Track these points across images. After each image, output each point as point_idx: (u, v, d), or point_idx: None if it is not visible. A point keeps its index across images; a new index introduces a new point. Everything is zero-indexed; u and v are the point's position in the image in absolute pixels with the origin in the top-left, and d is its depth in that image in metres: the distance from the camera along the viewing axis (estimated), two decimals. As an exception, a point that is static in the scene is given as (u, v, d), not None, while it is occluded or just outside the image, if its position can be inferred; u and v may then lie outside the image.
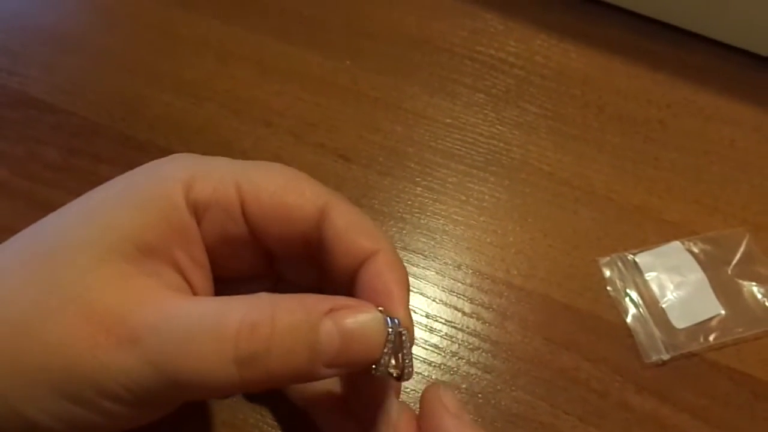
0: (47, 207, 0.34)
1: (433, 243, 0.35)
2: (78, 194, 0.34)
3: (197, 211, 0.23)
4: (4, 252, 0.22)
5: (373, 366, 0.21)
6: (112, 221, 0.22)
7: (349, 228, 0.23)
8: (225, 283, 0.25)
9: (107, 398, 0.20)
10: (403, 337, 0.22)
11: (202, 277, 0.24)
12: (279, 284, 0.27)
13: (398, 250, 0.33)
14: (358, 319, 0.21)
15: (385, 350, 0.21)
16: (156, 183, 0.23)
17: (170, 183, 0.23)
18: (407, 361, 0.22)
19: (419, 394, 0.30)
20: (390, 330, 0.21)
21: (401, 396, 0.30)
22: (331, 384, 0.26)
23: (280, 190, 0.24)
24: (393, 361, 0.22)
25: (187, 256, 0.23)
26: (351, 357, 0.21)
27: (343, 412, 0.26)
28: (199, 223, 0.23)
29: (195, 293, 0.24)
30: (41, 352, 0.20)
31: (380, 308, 0.22)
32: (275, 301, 0.21)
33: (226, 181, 0.23)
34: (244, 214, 0.23)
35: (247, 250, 0.25)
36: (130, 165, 0.36)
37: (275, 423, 0.29)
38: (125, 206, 0.22)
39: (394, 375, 0.22)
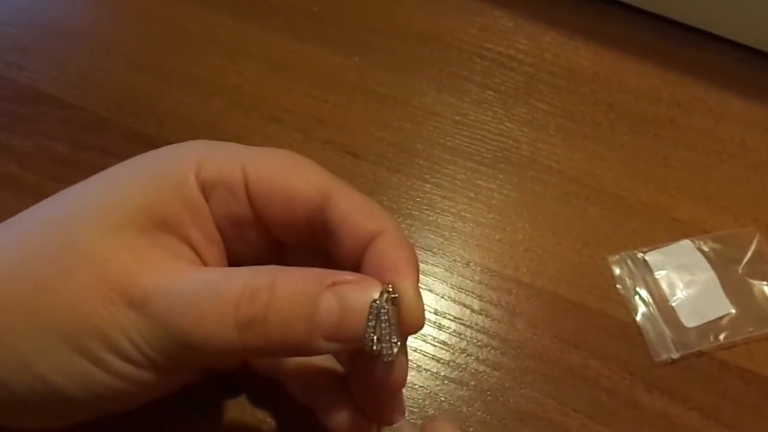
0: (56, 202, 0.34)
1: (441, 240, 0.34)
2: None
3: (205, 189, 0.24)
4: (25, 218, 0.23)
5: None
6: (129, 194, 0.22)
7: (353, 211, 0.23)
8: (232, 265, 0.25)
9: (118, 355, 0.21)
10: (383, 311, 0.21)
11: (215, 254, 0.24)
12: None
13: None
14: (360, 296, 0.21)
15: (369, 324, 0.21)
16: (169, 162, 0.24)
17: (182, 162, 0.23)
18: (387, 337, 0.21)
19: (428, 391, 0.30)
20: (374, 303, 0.21)
21: (407, 392, 0.30)
22: (334, 378, 0.26)
23: (283, 172, 0.24)
24: (376, 338, 0.21)
25: (199, 232, 0.23)
26: (350, 332, 0.21)
27: (346, 406, 0.26)
28: (207, 201, 0.24)
29: None
30: (57, 308, 0.20)
31: (389, 285, 0.21)
32: (278, 271, 0.21)
33: (232, 162, 0.24)
34: (248, 195, 0.24)
35: (252, 232, 0.25)
36: (139, 160, 0.36)
37: (281, 420, 0.29)
38: (141, 181, 0.23)
39: (375, 351, 0.21)
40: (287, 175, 0.24)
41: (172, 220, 0.23)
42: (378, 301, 0.21)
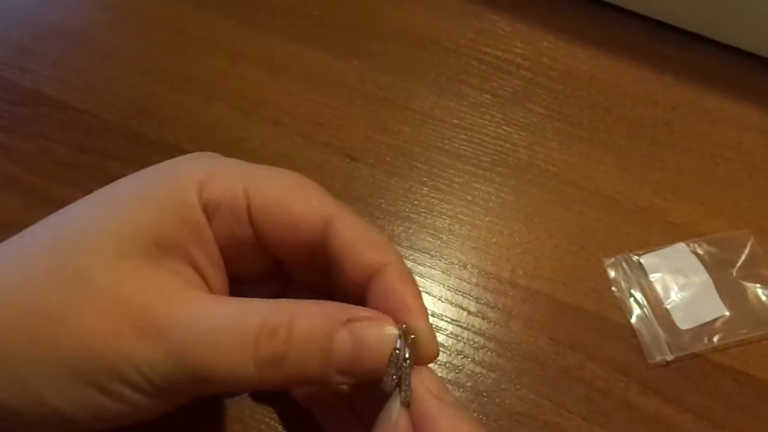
0: (58, 203, 0.34)
1: (439, 242, 0.35)
2: (88, 191, 0.35)
3: (207, 210, 0.23)
4: (25, 240, 0.23)
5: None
6: (131, 216, 0.22)
7: (357, 240, 0.23)
8: (235, 284, 0.26)
9: (129, 387, 0.21)
10: (406, 359, 0.22)
11: (217, 275, 0.24)
12: (289, 286, 0.27)
13: (404, 250, 0.34)
14: (374, 332, 0.21)
15: (388, 368, 0.21)
16: (172, 181, 0.23)
17: (185, 182, 0.23)
18: (407, 381, 0.22)
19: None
20: (398, 348, 0.21)
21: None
22: (338, 390, 0.27)
23: (285, 197, 0.24)
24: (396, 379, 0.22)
25: (202, 254, 0.23)
26: (363, 368, 0.21)
27: (347, 412, 0.26)
28: (209, 222, 0.24)
29: (211, 291, 0.24)
30: (67, 342, 0.20)
31: (404, 325, 0.22)
32: (295, 307, 0.21)
33: (236, 184, 0.24)
34: (250, 217, 0.24)
35: (254, 253, 0.25)
36: (140, 162, 0.36)
37: (280, 419, 0.29)
38: (143, 202, 0.23)
39: (393, 392, 0.22)
40: (289, 200, 0.24)
41: (176, 243, 0.23)
42: (399, 345, 0.21)
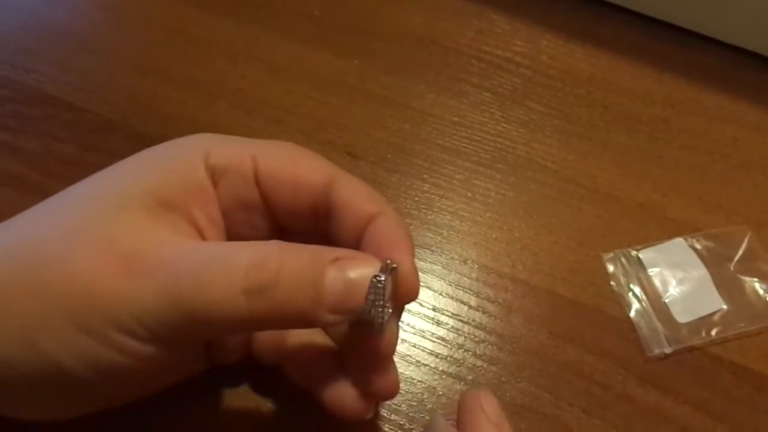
0: (63, 201, 0.35)
1: (439, 238, 0.35)
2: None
3: (214, 174, 0.25)
4: (37, 208, 0.24)
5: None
6: (137, 176, 0.24)
7: (355, 194, 0.25)
8: None
9: (122, 331, 0.21)
10: (380, 282, 0.22)
11: (216, 235, 0.25)
12: None
13: (406, 245, 0.34)
14: (362, 269, 0.22)
15: (368, 296, 0.22)
16: (177, 149, 0.25)
17: (190, 149, 0.25)
18: (380, 302, 0.22)
19: (426, 385, 0.31)
20: (374, 278, 0.22)
21: (406, 387, 0.31)
22: (331, 357, 0.27)
23: (291, 161, 0.25)
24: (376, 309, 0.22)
25: (203, 213, 0.24)
26: (352, 304, 0.22)
27: (343, 383, 0.26)
28: (216, 186, 0.25)
29: None
30: (60, 280, 0.21)
31: (388, 260, 0.23)
32: (284, 245, 0.22)
33: (242, 151, 0.25)
34: (257, 181, 0.25)
35: (258, 217, 0.26)
36: (144, 161, 0.36)
37: (279, 411, 0.30)
38: (148, 166, 0.24)
39: (369, 317, 0.22)
40: (295, 163, 0.25)
41: (178, 201, 0.24)
42: (377, 275, 0.22)
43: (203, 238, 0.25)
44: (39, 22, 0.42)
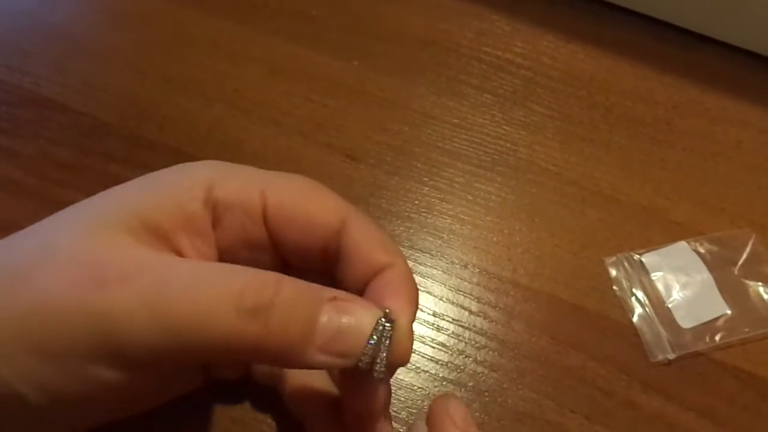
0: (58, 206, 0.34)
1: (440, 242, 0.35)
2: (89, 193, 0.35)
3: (218, 209, 0.23)
4: (21, 231, 0.23)
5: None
6: (126, 200, 0.22)
7: (367, 240, 0.24)
8: None
9: (89, 359, 0.19)
10: (385, 334, 0.21)
11: None
12: None
13: (405, 249, 0.34)
14: (358, 314, 0.21)
15: (369, 342, 0.21)
16: (179, 176, 0.24)
17: (193, 178, 0.23)
18: (383, 355, 0.22)
19: (426, 392, 0.30)
20: (378, 323, 0.21)
21: (406, 394, 0.30)
22: (330, 401, 0.26)
23: (302, 198, 0.24)
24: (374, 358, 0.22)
25: (191, 246, 0.23)
26: (344, 348, 0.21)
27: (337, 423, 0.26)
28: (219, 222, 0.24)
29: None
30: (18, 307, 0.19)
31: (387, 309, 0.22)
32: (282, 276, 0.21)
33: (250, 186, 0.24)
34: (264, 218, 0.24)
35: (263, 255, 0.25)
36: (141, 164, 0.36)
37: (280, 421, 0.29)
38: (142, 190, 0.23)
39: (367, 367, 0.22)
40: (306, 201, 0.24)
41: (165, 228, 0.22)
42: (380, 323, 0.21)
43: None
44: (35, 24, 0.42)
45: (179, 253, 0.22)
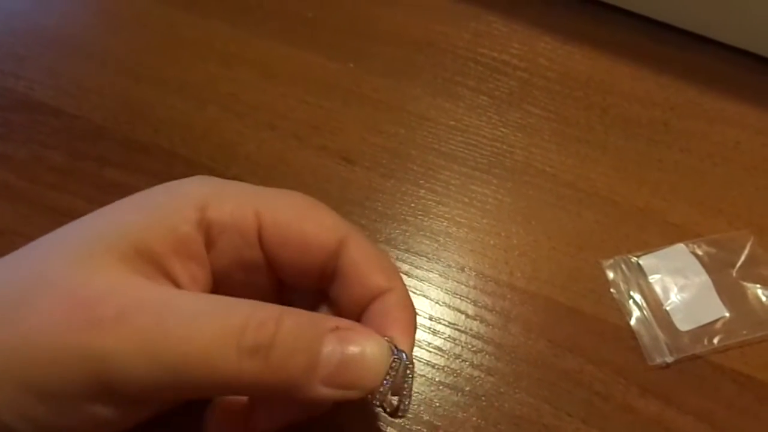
0: (52, 210, 0.34)
1: (436, 245, 0.35)
2: (82, 197, 0.35)
3: (211, 232, 0.23)
4: (9, 255, 0.22)
5: (370, 395, 0.21)
6: (117, 224, 0.21)
7: (365, 262, 0.23)
8: None
9: (83, 398, 0.19)
10: (408, 372, 0.21)
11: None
12: None
13: (401, 253, 0.34)
14: (362, 343, 0.21)
15: (386, 379, 0.21)
16: (170, 196, 0.23)
17: (185, 198, 0.23)
18: (406, 399, 0.21)
19: (423, 397, 0.30)
20: (395, 359, 0.21)
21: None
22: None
23: (299, 218, 0.24)
24: (391, 395, 0.21)
25: (184, 270, 0.22)
26: (348, 379, 0.20)
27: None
28: (213, 245, 0.23)
29: None
30: (10, 344, 0.19)
31: (387, 338, 0.22)
32: (283, 308, 0.21)
33: (245, 206, 0.23)
34: (260, 240, 0.23)
35: (259, 277, 0.24)
36: (135, 168, 0.36)
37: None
38: (134, 213, 0.22)
39: (387, 410, 0.22)
40: (303, 221, 0.23)
41: (157, 252, 0.21)
42: (397, 357, 0.21)
43: None
44: (28, 27, 0.41)
45: (173, 279, 0.22)
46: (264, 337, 0.19)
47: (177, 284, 0.22)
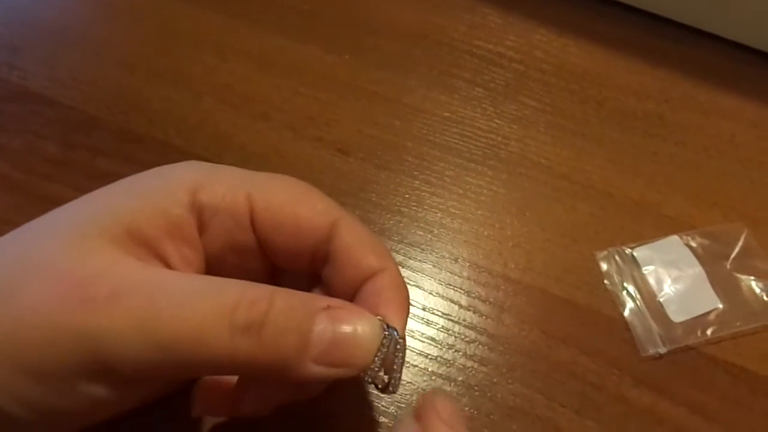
0: (46, 200, 0.34)
1: (430, 236, 0.35)
2: (76, 188, 0.35)
3: (203, 215, 0.23)
4: (5, 236, 0.22)
5: (362, 372, 0.21)
6: (109, 206, 0.21)
7: (358, 244, 0.23)
8: None
9: (79, 378, 0.19)
10: (398, 348, 0.22)
11: None
12: None
13: (395, 243, 0.34)
14: (353, 321, 0.21)
15: (377, 356, 0.21)
16: (162, 179, 0.23)
17: (177, 181, 0.23)
18: (396, 375, 0.22)
19: (415, 387, 0.30)
20: (386, 336, 0.21)
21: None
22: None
23: (291, 201, 0.23)
24: (383, 371, 0.21)
25: (177, 252, 0.22)
26: (340, 357, 0.20)
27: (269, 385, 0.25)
28: (205, 228, 0.23)
29: None
30: (6, 321, 0.19)
31: (379, 316, 0.22)
32: (274, 288, 0.21)
33: (236, 189, 0.23)
34: (252, 223, 0.23)
35: (252, 260, 0.24)
36: (129, 159, 0.36)
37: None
38: (125, 194, 0.22)
39: (379, 386, 0.22)
40: (295, 204, 0.23)
41: (149, 235, 0.21)
42: (388, 332, 0.21)
43: None
44: (22, 18, 0.41)
45: (165, 261, 0.22)
46: (256, 316, 0.19)
47: (169, 266, 0.22)
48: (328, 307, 0.21)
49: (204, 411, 0.25)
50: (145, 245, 0.21)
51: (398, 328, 0.22)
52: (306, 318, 0.20)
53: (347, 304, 0.22)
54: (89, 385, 0.19)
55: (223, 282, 0.21)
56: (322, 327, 0.20)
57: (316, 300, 0.21)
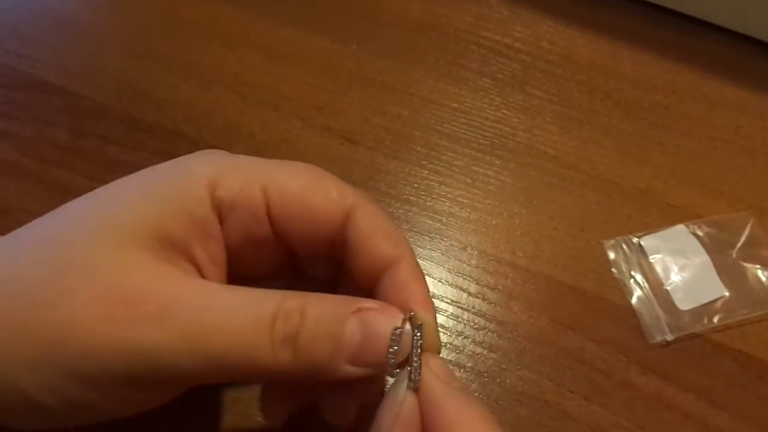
0: (56, 188, 0.35)
1: (439, 225, 0.35)
2: (86, 175, 0.35)
3: (222, 210, 0.23)
4: (23, 233, 0.22)
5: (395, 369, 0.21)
6: (134, 209, 0.22)
7: (374, 232, 0.23)
8: (242, 280, 0.25)
9: (121, 383, 0.20)
10: (416, 339, 0.22)
11: (217, 274, 0.24)
12: (295, 280, 0.27)
13: (405, 232, 0.34)
14: (384, 321, 0.21)
15: (391, 350, 0.21)
16: (182, 177, 0.23)
17: (195, 178, 0.23)
18: (417, 363, 0.22)
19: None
20: (416, 333, 0.21)
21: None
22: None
23: (305, 191, 0.24)
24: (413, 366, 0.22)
25: (204, 251, 0.23)
26: (371, 357, 0.21)
27: (345, 392, 0.25)
28: (222, 222, 0.23)
29: None
30: (50, 329, 0.19)
31: (412, 312, 0.22)
32: (306, 294, 0.21)
33: (252, 182, 0.23)
34: (269, 215, 0.23)
35: (270, 251, 0.25)
36: (138, 146, 0.36)
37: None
38: (148, 196, 0.22)
39: (411, 385, 0.22)
40: (310, 194, 0.24)
41: (179, 238, 0.22)
42: (400, 328, 0.21)
43: (203, 277, 0.23)
44: (32, 7, 0.41)
45: (194, 261, 0.23)
46: (291, 327, 0.20)
47: (198, 266, 0.23)
48: (359, 309, 0.21)
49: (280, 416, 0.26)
50: (174, 248, 0.22)
51: (429, 320, 0.22)
52: (337, 323, 0.21)
53: (378, 304, 0.22)
54: (131, 390, 0.20)
55: (261, 295, 0.21)
56: (352, 331, 0.21)
57: (347, 303, 0.21)
